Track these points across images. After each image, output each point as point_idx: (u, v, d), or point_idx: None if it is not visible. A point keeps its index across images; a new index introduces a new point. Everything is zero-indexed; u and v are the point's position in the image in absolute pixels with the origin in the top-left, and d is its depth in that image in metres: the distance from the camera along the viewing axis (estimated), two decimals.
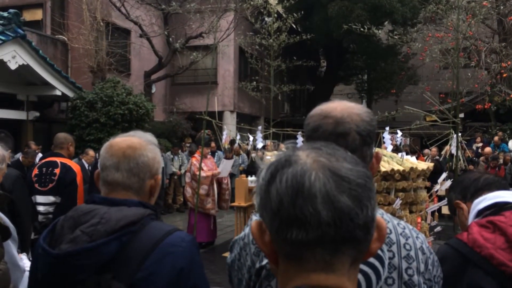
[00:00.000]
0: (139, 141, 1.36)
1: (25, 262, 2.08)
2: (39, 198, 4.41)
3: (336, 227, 0.65)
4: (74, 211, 1.27)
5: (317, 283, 0.66)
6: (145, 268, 1.17)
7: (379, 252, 1.05)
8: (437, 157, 10.65)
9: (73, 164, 4.68)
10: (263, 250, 0.73)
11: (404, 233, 1.13)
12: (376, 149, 1.17)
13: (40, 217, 4.36)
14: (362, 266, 1.02)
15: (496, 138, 12.84)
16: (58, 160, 4.55)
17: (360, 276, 1.01)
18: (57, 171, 4.43)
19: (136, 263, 1.18)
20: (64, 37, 12.08)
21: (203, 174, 7.09)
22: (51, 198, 4.43)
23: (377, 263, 1.04)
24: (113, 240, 1.17)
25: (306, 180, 0.65)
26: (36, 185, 4.41)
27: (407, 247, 1.10)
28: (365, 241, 0.68)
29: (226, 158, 10.26)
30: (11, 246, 1.85)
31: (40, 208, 4.40)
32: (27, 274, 1.92)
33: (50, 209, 4.43)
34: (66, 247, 1.17)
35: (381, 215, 1.13)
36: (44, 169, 4.49)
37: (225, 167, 7.77)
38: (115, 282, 1.14)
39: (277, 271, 0.72)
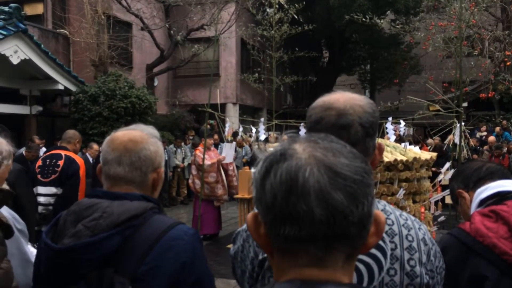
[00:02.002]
0: (141, 135, 1.34)
1: (32, 251, 2.09)
2: (41, 189, 4.46)
3: (329, 224, 0.64)
4: (76, 205, 1.26)
5: (310, 277, 0.66)
6: (147, 262, 1.17)
7: (381, 243, 1.05)
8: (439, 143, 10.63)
9: (77, 157, 4.74)
10: (258, 242, 0.72)
11: (406, 224, 1.12)
12: (379, 140, 1.17)
13: (40, 208, 4.39)
14: (364, 257, 1.02)
15: (497, 128, 12.79)
16: (63, 152, 4.61)
17: (362, 267, 1.02)
18: (60, 162, 4.48)
19: (139, 257, 1.17)
20: (65, 31, 12.05)
21: (208, 162, 7.10)
22: (52, 189, 4.47)
23: (379, 254, 1.04)
24: (115, 234, 1.17)
25: (300, 176, 0.64)
26: (39, 176, 4.46)
27: (409, 238, 1.10)
28: (360, 237, 0.67)
29: None
30: (23, 243, 1.85)
31: (41, 199, 4.44)
32: None
33: (51, 200, 4.47)
34: (68, 241, 1.17)
35: (384, 207, 1.14)
36: (48, 160, 4.54)
37: (227, 151, 7.74)
38: (117, 276, 1.14)
39: (273, 262, 0.72)
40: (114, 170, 1.31)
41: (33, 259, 1.89)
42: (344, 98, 1.12)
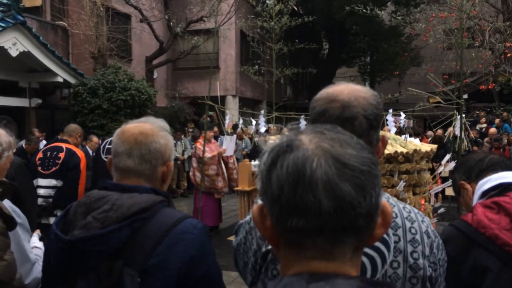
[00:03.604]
0: (151, 127, 1.35)
1: (37, 244, 2.09)
2: (41, 181, 4.47)
3: (337, 216, 0.63)
4: (86, 197, 1.27)
5: (317, 270, 0.65)
6: (156, 254, 1.18)
7: (385, 236, 1.05)
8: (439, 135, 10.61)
9: (78, 150, 4.75)
10: (263, 235, 0.72)
11: (410, 217, 1.12)
12: (382, 133, 1.16)
13: (40, 200, 4.40)
14: (368, 250, 1.02)
15: (497, 120, 12.78)
16: (64, 145, 4.62)
17: (365, 260, 1.02)
18: (61, 155, 4.50)
19: (148, 249, 1.18)
20: (64, 23, 12.00)
21: (208, 155, 7.09)
22: (53, 182, 4.49)
23: (382, 247, 1.04)
24: (125, 226, 1.17)
25: (307, 167, 0.63)
26: (39, 168, 4.48)
27: (413, 231, 1.09)
28: (367, 229, 0.67)
29: None
30: (21, 237, 1.85)
31: (41, 191, 4.45)
32: (36, 265, 1.93)
33: (51, 192, 4.48)
34: (78, 233, 1.17)
35: (387, 199, 1.13)
36: (48, 153, 4.56)
37: (228, 143, 7.74)
38: (127, 268, 1.15)
39: (279, 255, 0.71)
40: (124, 163, 1.31)
41: (31, 254, 1.89)
42: (348, 90, 1.10)
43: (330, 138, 0.67)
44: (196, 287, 1.22)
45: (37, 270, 1.91)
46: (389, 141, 5.17)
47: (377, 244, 1.03)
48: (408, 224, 1.10)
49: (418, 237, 1.09)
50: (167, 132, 1.39)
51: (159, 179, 1.36)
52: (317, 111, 1.10)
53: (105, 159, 5.10)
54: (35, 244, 2.05)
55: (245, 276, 1.22)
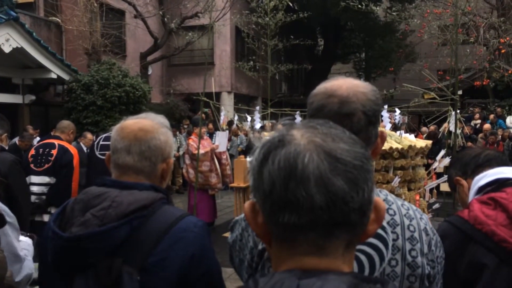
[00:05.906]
0: (151, 124, 1.32)
1: (22, 239, 2.06)
2: (34, 179, 4.44)
3: (329, 211, 0.62)
4: (84, 194, 1.24)
5: (310, 266, 0.65)
6: (156, 253, 1.16)
7: (383, 233, 1.04)
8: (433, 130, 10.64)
9: (70, 147, 4.71)
10: (256, 231, 0.71)
11: (408, 214, 1.11)
12: (381, 129, 1.15)
13: (33, 198, 4.36)
14: (365, 248, 1.01)
15: (491, 116, 12.84)
16: (56, 142, 4.58)
17: (363, 258, 1.01)
18: (54, 152, 4.46)
19: (148, 247, 1.16)
20: (57, 19, 11.90)
21: (201, 151, 7.08)
22: (46, 179, 4.45)
23: (380, 245, 1.03)
24: (124, 224, 1.15)
25: (299, 162, 0.63)
26: (32, 165, 4.44)
27: (411, 228, 1.08)
28: (360, 224, 0.66)
29: None
30: (11, 236, 1.83)
31: (34, 189, 4.42)
32: (26, 262, 1.91)
33: (44, 189, 4.45)
34: (77, 230, 1.15)
35: (385, 196, 1.12)
36: (41, 149, 4.51)
37: (220, 139, 7.72)
38: (126, 266, 1.13)
39: (271, 252, 0.71)
40: (123, 159, 1.29)
41: (21, 253, 1.87)
42: (347, 85, 1.08)
43: (322, 133, 0.66)
44: (197, 285, 1.21)
45: (29, 267, 1.89)
46: None
47: (375, 241, 1.02)
48: (406, 222, 1.09)
49: (416, 234, 1.08)
50: (167, 129, 1.37)
51: (159, 176, 1.34)
52: (315, 106, 1.09)
53: (99, 156, 5.07)
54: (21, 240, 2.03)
55: (240, 273, 1.21)
